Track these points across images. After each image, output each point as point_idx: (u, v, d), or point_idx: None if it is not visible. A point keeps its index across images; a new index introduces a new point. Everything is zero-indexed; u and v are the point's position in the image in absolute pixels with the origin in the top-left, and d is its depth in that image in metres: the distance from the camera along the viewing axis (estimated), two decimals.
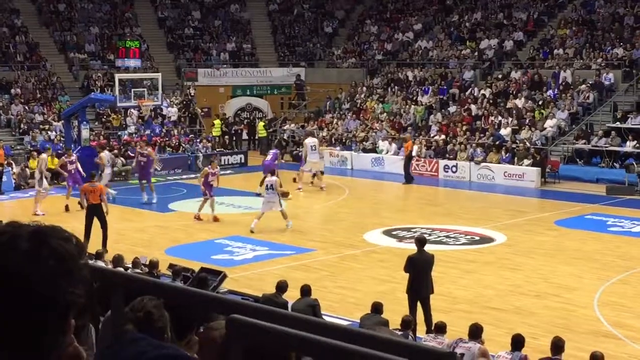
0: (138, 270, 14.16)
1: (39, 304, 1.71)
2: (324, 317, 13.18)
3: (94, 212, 20.30)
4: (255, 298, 13.41)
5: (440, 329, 11.88)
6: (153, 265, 14.53)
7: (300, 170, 29.75)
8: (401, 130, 37.26)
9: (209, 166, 24.79)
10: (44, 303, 1.72)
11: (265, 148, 40.49)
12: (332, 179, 32.08)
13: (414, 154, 34.13)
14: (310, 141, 30.02)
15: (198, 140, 37.06)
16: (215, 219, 23.82)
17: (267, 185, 22.94)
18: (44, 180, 26.10)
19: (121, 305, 2.40)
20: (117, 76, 34.52)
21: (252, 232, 22.30)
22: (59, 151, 32.55)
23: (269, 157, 28.03)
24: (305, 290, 12.92)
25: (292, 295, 13.39)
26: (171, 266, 15.03)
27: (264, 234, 22.53)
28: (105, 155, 28.52)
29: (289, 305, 12.72)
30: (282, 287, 12.99)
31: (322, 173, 29.83)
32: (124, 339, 2.14)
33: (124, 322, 2.58)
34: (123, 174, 32.06)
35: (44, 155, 27.36)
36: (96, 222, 20.24)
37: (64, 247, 1.76)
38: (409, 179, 31.35)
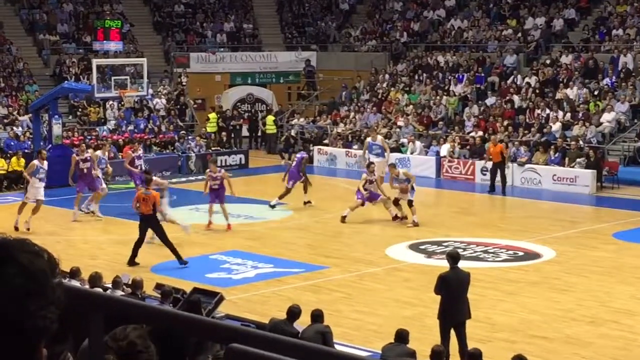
0: (119, 292, 14.20)
1: (4, 330, 1.71)
2: (338, 346, 13.17)
3: (146, 223, 20.62)
4: (258, 324, 13.42)
5: (475, 357, 11.84)
6: (137, 285, 14.56)
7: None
8: (430, 126, 37.24)
9: (209, 169, 25.56)
10: (9, 328, 1.71)
11: (274, 146, 40.54)
12: (348, 184, 32.05)
13: (444, 153, 34.09)
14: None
15: (190, 137, 37.13)
16: (209, 225, 24.45)
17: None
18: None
19: (100, 333, 2.41)
20: (95, 62, 34.63)
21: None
22: (26, 150, 32.68)
23: (294, 163, 27.80)
24: (317, 316, 12.89)
25: (300, 321, 13.38)
26: (158, 286, 15.04)
27: (269, 248, 22.55)
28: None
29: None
30: (294, 313, 12.98)
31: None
32: None
33: (103, 353, 2.59)
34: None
35: (98, 153, 27.46)
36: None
37: (34, 264, 1.75)
38: (504, 190, 30.35)
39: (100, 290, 12.48)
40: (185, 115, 41.57)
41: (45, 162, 25.73)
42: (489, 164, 31.37)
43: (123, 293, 14.10)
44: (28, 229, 24.16)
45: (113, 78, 33.19)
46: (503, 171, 30.51)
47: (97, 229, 25.23)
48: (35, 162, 25.45)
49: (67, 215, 26.69)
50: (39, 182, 25.15)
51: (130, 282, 14.90)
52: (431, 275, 15.84)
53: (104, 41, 39.11)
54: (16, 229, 24.25)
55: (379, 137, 30.14)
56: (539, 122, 34.39)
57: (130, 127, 37.23)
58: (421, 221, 25.32)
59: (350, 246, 22.98)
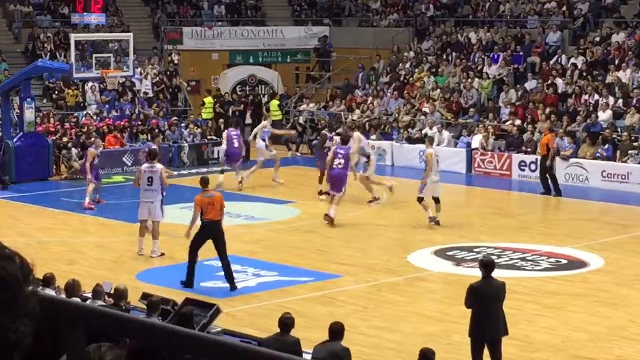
0: (100, 302, 14.23)
1: None
2: None
3: (211, 232, 19.55)
4: (259, 340, 13.45)
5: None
6: (120, 294, 14.58)
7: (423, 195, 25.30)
8: (460, 113, 37.19)
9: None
10: None
11: (279, 135, 40.44)
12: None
13: (476, 145, 34.03)
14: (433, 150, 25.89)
15: (183, 124, 37.17)
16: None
17: None
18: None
19: (80, 349, 2.43)
20: (73, 37, 34.65)
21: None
22: None
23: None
24: (336, 331, 12.74)
25: (311, 338, 13.40)
26: (145, 296, 15.07)
27: (272, 253, 22.57)
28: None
29: (307, 351, 12.73)
30: (286, 324, 12.98)
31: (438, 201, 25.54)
32: None
33: None
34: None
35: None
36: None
37: (4, 269, 1.75)
38: (557, 189, 29.80)
39: (78, 300, 12.51)
40: (177, 99, 41.58)
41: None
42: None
43: (104, 303, 14.13)
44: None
45: (94, 56, 33.19)
46: (543, 166, 30.15)
47: (74, 230, 25.26)
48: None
49: (40, 213, 26.79)
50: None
51: (112, 292, 14.93)
52: (460, 286, 15.83)
53: (84, 13, 39.12)
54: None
55: (356, 135, 29.45)
56: (586, 109, 34.32)
57: (114, 113, 37.26)
58: (449, 223, 25.32)
59: (366, 252, 22.96)
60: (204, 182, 20.37)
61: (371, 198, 27.92)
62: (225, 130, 32.28)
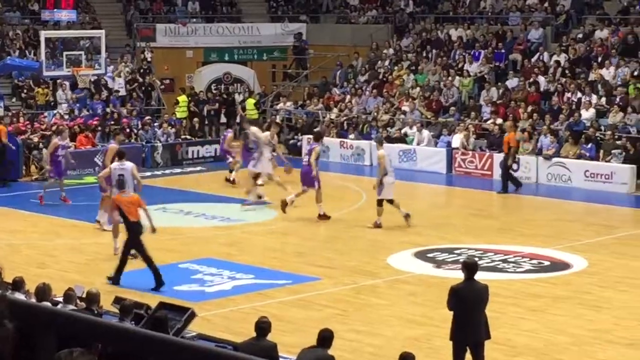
0: (71, 306, 14.19)
1: None
2: None
3: (137, 231, 20.03)
4: (235, 345, 13.45)
5: None
6: (92, 298, 14.53)
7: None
8: (440, 112, 37.25)
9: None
10: None
11: None
12: (343, 180, 32.05)
13: (457, 144, 34.11)
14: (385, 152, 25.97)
15: (156, 124, 37.09)
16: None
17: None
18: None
19: (51, 354, 2.42)
20: (44, 34, 34.57)
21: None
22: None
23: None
24: (325, 338, 12.67)
25: (288, 342, 13.38)
26: (117, 300, 15.04)
27: (249, 255, 22.54)
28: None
29: (284, 355, 12.71)
30: (263, 327, 12.95)
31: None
32: None
33: None
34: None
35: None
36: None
37: None
38: (516, 182, 30.80)
39: (49, 304, 12.47)
40: (150, 98, 41.50)
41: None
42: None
43: (76, 308, 14.09)
44: None
45: (65, 53, 33.15)
46: (504, 165, 30.59)
47: (45, 232, 25.15)
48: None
49: (9, 215, 26.70)
50: None
51: (84, 295, 14.88)
52: (441, 289, 15.84)
53: (55, 10, 39.01)
54: None
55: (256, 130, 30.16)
56: (568, 107, 34.42)
57: (85, 112, 37.12)
58: (429, 224, 25.39)
59: (345, 254, 22.95)
60: (121, 184, 20.82)
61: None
62: None
